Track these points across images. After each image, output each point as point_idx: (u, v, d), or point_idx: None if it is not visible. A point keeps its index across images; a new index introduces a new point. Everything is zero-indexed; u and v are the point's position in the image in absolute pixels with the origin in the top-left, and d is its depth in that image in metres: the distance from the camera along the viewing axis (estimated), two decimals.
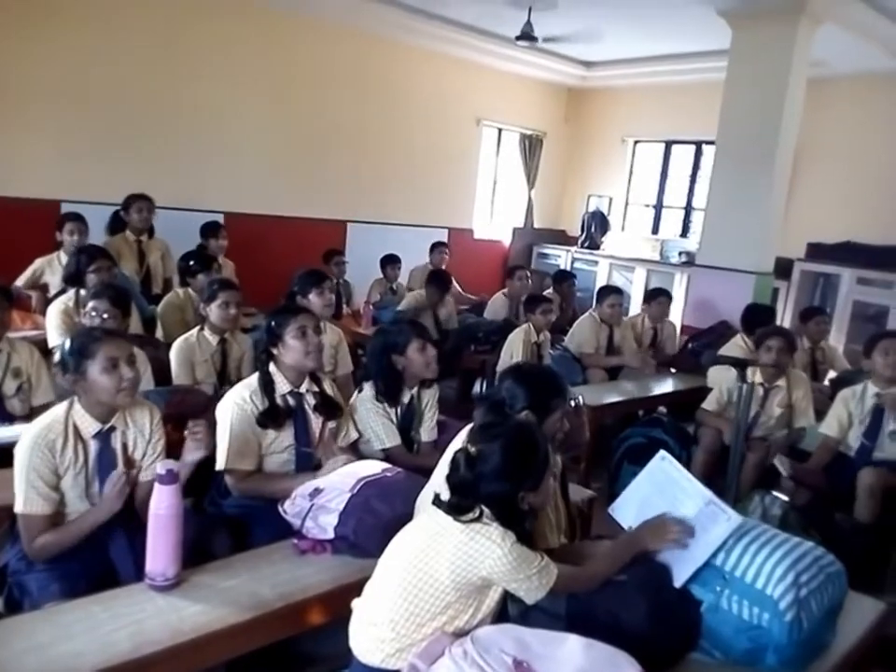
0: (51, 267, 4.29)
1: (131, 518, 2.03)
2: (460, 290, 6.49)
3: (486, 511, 1.59)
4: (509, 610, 1.68)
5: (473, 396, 5.26)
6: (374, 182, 7.43)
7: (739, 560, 1.84)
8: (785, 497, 3.37)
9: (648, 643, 1.67)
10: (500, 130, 8.66)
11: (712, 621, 1.83)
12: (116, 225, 4.66)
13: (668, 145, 8.45)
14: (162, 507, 1.77)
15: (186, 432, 2.34)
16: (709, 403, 3.67)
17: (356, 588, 1.91)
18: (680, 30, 6.42)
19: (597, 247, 8.54)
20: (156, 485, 1.78)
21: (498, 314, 5.53)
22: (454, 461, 1.65)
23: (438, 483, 2.07)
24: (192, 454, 2.06)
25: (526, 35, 6.21)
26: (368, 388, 2.71)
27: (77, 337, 2.04)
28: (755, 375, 3.48)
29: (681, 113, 7.93)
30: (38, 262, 4.34)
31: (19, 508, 1.90)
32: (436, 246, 6.41)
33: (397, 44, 7.22)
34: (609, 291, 4.93)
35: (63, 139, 5.50)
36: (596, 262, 8.30)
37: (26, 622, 1.65)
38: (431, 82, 7.67)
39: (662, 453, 2.11)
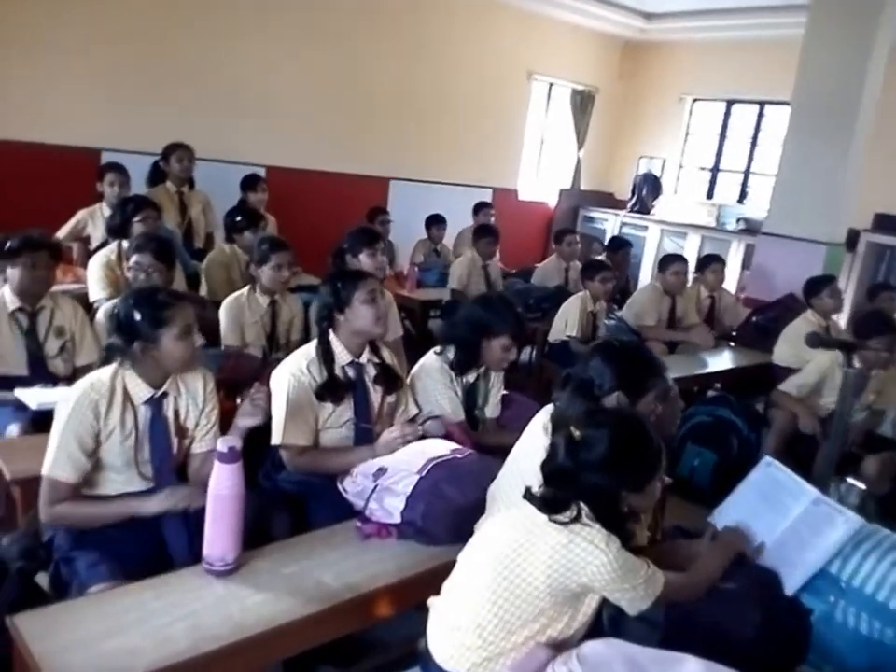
0: (94, 219, 4.15)
1: None
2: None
3: (585, 509, 1.40)
4: (602, 616, 1.51)
5: (519, 365, 5.06)
6: (418, 138, 7.15)
7: (858, 568, 1.67)
8: (862, 485, 3.16)
9: (754, 656, 1.51)
10: (551, 84, 8.26)
11: (824, 633, 1.66)
12: (156, 176, 4.51)
13: (729, 104, 8.01)
14: (224, 487, 1.62)
15: (241, 398, 2.20)
16: (790, 386, 3.39)
17: (425, 579, 1.77)
18: None
19: (648, 212, 8.19)
20: (216, 464, 1.62)
21: (548, 279, 5.31)
22: (552, 446, 1.47)
23: (514, 467, 1.90)
24: (247, 419, 1.92)
25: None
26: (435, 357, 2.52)
27: (146, 302, 1.86)
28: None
29: (745, 71, 7.47)
30: (81, 214, 4.20)
31: (45, 469, 1.77)
32: (481, 207, 6.16)
33: None
34: (673, 259, 4.65)
35: (103, 87, 5.31)
36: (646, 227, 7.97)
37: (73, 609, 1.52)
38: (481, 32, 7.29)
39: (767, 458, 1.96)
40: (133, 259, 2.80)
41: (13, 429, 2.33)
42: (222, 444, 1.62)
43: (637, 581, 1.38)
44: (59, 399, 1.96)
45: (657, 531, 1.92)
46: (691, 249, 7.32)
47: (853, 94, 4.88)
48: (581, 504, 1.40)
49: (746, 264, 6.70)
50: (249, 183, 4.91)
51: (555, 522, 1.39)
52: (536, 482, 1.52)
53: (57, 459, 1.77)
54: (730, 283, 6.00)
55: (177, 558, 1.79)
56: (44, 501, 1.78)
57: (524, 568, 1.38)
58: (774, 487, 1.92)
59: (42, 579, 1.79)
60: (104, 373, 1.85)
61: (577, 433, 1.42)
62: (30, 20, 4.94)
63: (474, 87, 7.41)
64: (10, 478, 1.97)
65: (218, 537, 1.64)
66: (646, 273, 7.71)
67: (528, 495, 1.47)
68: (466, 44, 7.22)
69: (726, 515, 1.93)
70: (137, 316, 1.83)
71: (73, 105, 5.22)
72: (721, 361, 4.39)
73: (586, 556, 1.35)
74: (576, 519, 1.39)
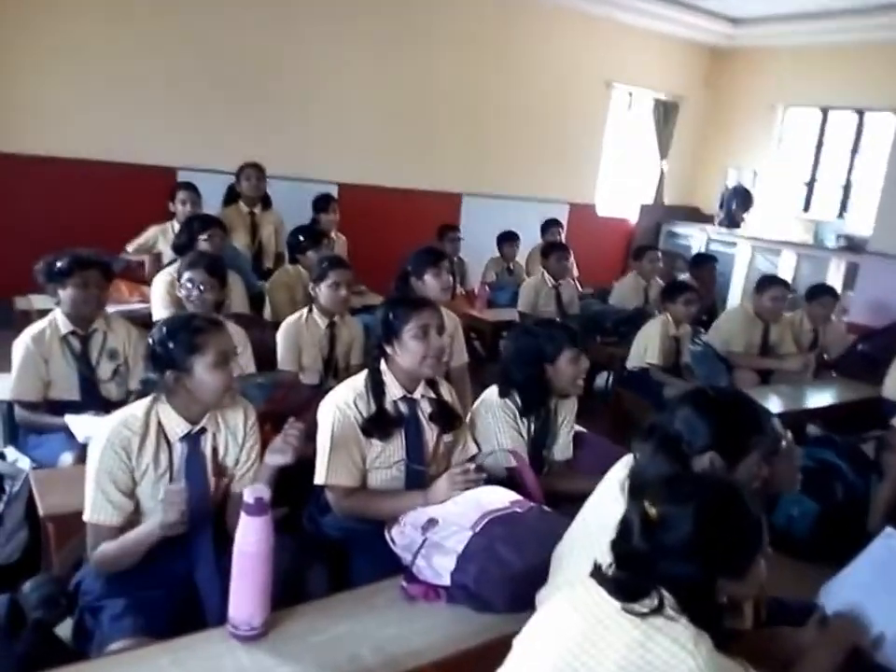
0: (165, 236, 4.16)
1: (222, 537, 1.74)
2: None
3: (668, 597, 1.14)
4: None
5: (594, 391, 4.77)
6: (492, 151, 6.96)
7: None
8: None
9: None
10: (631, 94, 7.93)
11: None
12: (231, 196, 4.50)
13: (825, 112, 7.46)
14: (249, 543, 1.45)
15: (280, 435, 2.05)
16: None
17: (476, 655, 1.55)
18: None
19: (737, 226, 7.70)
20: (242, 516, 1.46)
21: (627, 300, 5.00)
22: (623, 524, 1.21)
23: (585, 527, 1.65)
24: (276, 456, 1.74)
25: None
26: (495, 392, 2.29)
27: (179, 328, 1.73)
28: None
29: (841, 77, 6.97)
30: (152, 230, 4.22)
31: (86, 515, 1.66)
32: (549, 226, 5.89)
33: (522, 1, 6.66)
34: (773, 282, 4.24)
35: (178, 107, 5.38)
36: (735, 244, 7.48)
37: None
38: (557, 41, 7.04)
39: (888, 529, 1.63)
40: (186, 275, 2.72)
41: (67, 458, 2.26)
42: (249, 494, 1.45)
43: None
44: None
45: (760, 609, 1.61)
46: (786, 268, 6.82)
47: None
48: (664, 591, 1.15)
49: (847, 285, 6.16)
50: (322, 204, 4.84)
51: (631, 612, 1.14)
52: (608, 550, 1.27)
53: (95, 503, 1.65)
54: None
55: (210, 612, 1.64)
56: (90, 550, 1.68)
57: (590, 668, 1.14)
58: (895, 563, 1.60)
59: (66, 626, 1.67)
60: (137, 408, 1.73)
61: (652, 510, 1.17)
62: (109, 40, 5.05)
63: (549, 97, 7.17)
64: (43, 514, 1.87)
65: (244, 598, 1.47)
66: (735, 294, 7.23)
67: (598, 575, 1.22)
68: (541, 53, 7.00)
69: (836, 595, 1.62)
70: (170, 343, 1.71)
71: (150, 125, 5.31)
72: (822, 395, 3.97)
73: (669, 659, 1.09)
74: (657, 610, 1.13)
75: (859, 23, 6.47)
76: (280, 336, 2.96)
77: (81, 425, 2.29)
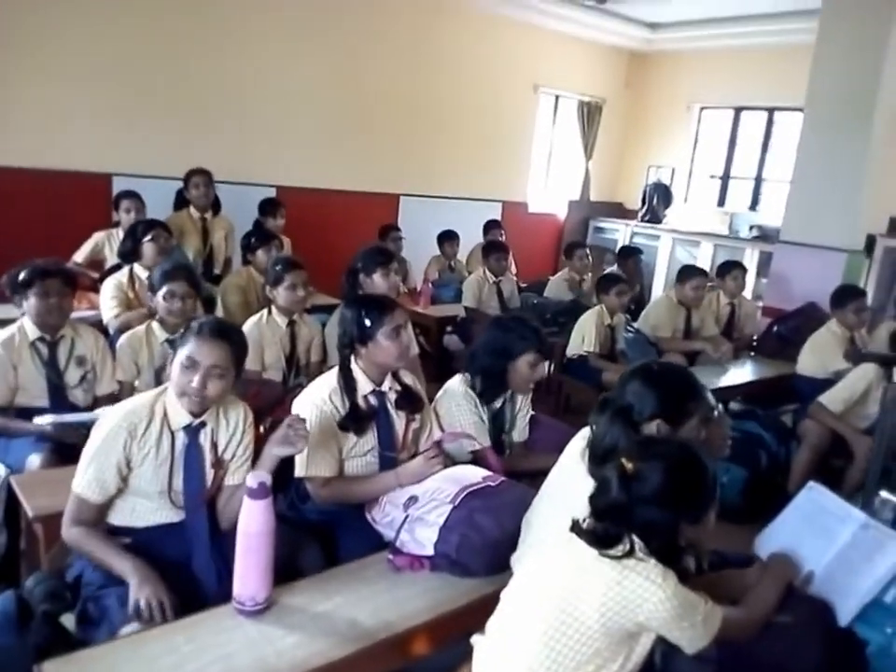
0: (110, 242, 4.14)
1: (214, 527, 1.86)
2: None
3: (639, 543, 1.34)
4: (654, 652, 1.45)
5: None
6: (427, 153, 7.12)
7: None
8: None
9: None
10: (558, 97, 8.24)
11: (882, 667, 1.58)
12: (180, 202, 4.48)
13: (738, 111, 7.96)
14: (253, 524, 1.57)
15: (264, 426, 2.17)
16: (832, 402, 3.25)
17: (462, 614, 1.72)
18: None
19: (659, 221, 8.13)
20: (246, 500, 1.57)
21: (562, 292, 5.26)
22: (602, 481, 1.40)
23: (551, 494, 1.84)
24: (285, 448, 1.81)
25: None
26: (460, 382, 2.46)
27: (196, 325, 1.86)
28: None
29: (752, 78, 7.44)
30: (97, 236, 4.19)
31: (75, 484, 1.75)
32: (490, 227, 6.14)
33: (452, 8, 6.87)
34: (694, 272, 4.57)
35: (111, 111, 5.28)
36: (658, 237, 7.91)
37: (104, 656, 1.46)
38: (487, 47, 7.28)
39: (810, 483, 1.90)
40: (166, 288, 2.72)
41: (34, 460, 2.29)
42: (252, 480, 1.57)
43: (696, 618, 1.32)
44: (77, 417, 1.97)
45: (703, 559, 1.84)
46: (704, 258, 7.26)
47: (868, 97, 4.80)
48: (634, 538, 1.34)
49: (761, 272, 6.64)
50: (268, 208, 4.88)
51: (607, 556, 1.33)
52: (578, 513, 1.45)
53: (86, 477, 1.74)
54: (746, 291, 5.92)
55: (208, 595, 1.74)
56: (67, 518, 1.76)
57: (576, 607, 1.32)
58: (818, 512, 1.85)
59: (67, 619, 1.74)
60: (146, 397, 1.84)
61: (629, 466, 1.36)
62: (36, 44, 4.93)
63: (481, 101, 7.39)
64: (33, 515, 1.92)
65: (249, 575, 1.58)
66: (659, 283, 7.65)
67: (576, 528, 1.40)
68: (471, 58, 7.21)
69: (769, 543, 1.86)
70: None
71: (81, 131, 5.19)
72: (743, 373, 4.30)
73: (642, 593, 1.29)
74: (629, 553, 1.32)
75: (767, 28, 6.90)
76: None
77: (45, 418, 2.35)
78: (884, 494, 3.16)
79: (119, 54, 5.25)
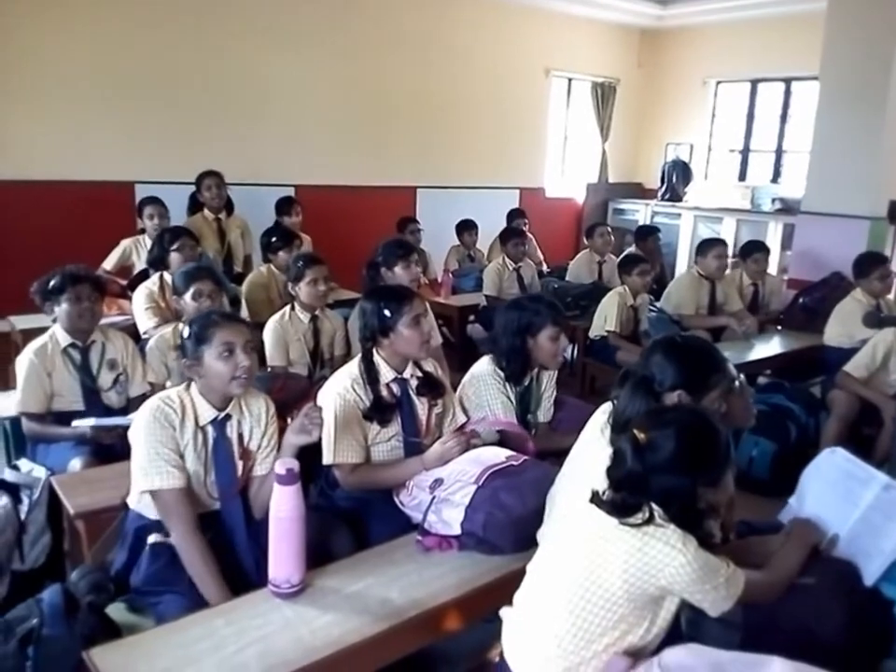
0: (138, 249, 4.24)
1: (248, 516, 1.92)
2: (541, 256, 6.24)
3: (658, 510, 1.36)
4: (680, 618, 1.47)
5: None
6: (441, 144, 7.14)
7: None
8: None
9: (843, 655, 1.44)
10: (570, 80, 8.19)
11: None
12: (194, 205, 4.56)
13: (754, 84, 7.84)
14: (284, 509, 1.62)
15: (291, 418, 2.21)
16: (856, 368, 3.25)
17: (490, 590, 1.76)
18: None
19: (679, 199, 8.04)
20: (276, 486, 1.62)
21: (582, 276, 5.25)
22: (617, 452, 1.43)
23: (574, 470, 1.87)
24: (301, 436, 1.86)
25: None
26: (488, 362, 2.51)
27: (196, 321, 1.92)
28: None
29: (767, 49, 7.32)
30: (125, 243, 4.30)
31: (154, 484, 1.77)
32: (514, 215, 6.11)
33: None
34: (713, 243, 4.55)
35: (129, 120, 5.40)
36: (679, 215, 7.83)
37: (147, 642, 1.52)
38: (497, 34, 7.27)
39: (830, 447, 1.89)
40: (194, 287, 2.79)
41: (76, 464, 2.37)
42: (280, 466, 1.62)
43: (718, 580, 1.34)
44: (119, 420, 2.05)
45: (729, 529, 1.86)
46: (727, 233, 7.16)
47: (882, 63, 4.75)
48: (653, 505, 1.37)
49: (785, 245, 6.55)
50: (284, 207, 4.96)
51: (627, 525, 1.35)
52: (598, 484, 1.48)
53: (158, 470, 1.76)
54: (771, 265, 5.86)
55: (249, 580, 1.79)
56: (173, 522, 1.77)
57: (599, 575, 1.35)
58: (841, 476, 1.85)
59: (113, 611, 1.81)
60: (172, 393, 1.89)
61: (641, 436, 1.39)
62: (56, 61, 5.06)
63: (493, 89, 7.38)
64: (74, 512, 2.00)
65: (283, 559, 1.64)
66: (682, 262, 7.58)
67: (596, 499, 1.43)
68: (482, 47, 7.20)
69: (796, 510, 1.87)
70: (185, 335, 1.89)
71: (103, 142, 5.32)
72: (770, 346, 4.27)
73: (663, 558, 1.31)
74: (649, 521, 1.35)
75: None
76: (267, 334, 3.09)
77: (86, 420, 2.43)
78: None
79: (136, 64, 5.36)
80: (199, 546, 1.76)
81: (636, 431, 1.40)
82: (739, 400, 1.86)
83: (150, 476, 1.77)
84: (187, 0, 5.49)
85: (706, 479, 1.38)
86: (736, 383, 1.89)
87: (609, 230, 5.53)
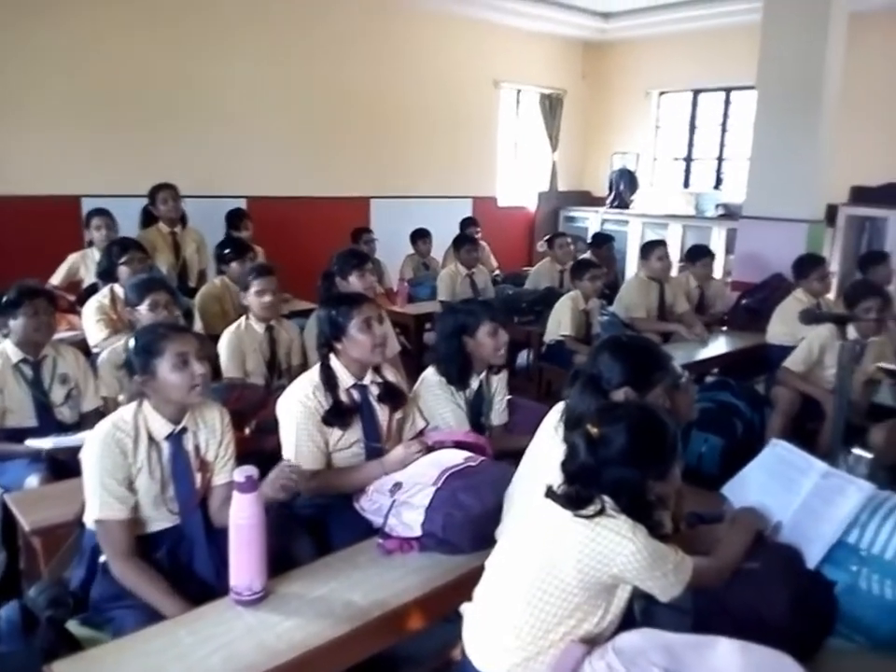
0: (85, 262, 4.17)
1: (209, 527, 1.92)
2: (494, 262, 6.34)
3: (609, 501, 1.43)
4: (634, 608, 1.53)
5: (517, 369, 5.10)
6: (394, 155, 7.19)
7: (876, 536, 1.69)
8: (870, 456, 3.19)
9: (787, 635, 1.52)
10: (519, 91, 8.34)
11: (849, 603, 1.68)
12: (147, 219, 4.50)
13: (695, 94, 8.11)
14: (243, 517, 1.63)
15: (248, 428, 2.21)
16: (795, 363, 3.41)
17: (451, 589, 1.79)
18: None
19: (627, 206, 8.26)
20: (235, 494, 1.64)
21: (542, 283, 5.35)
22: (571, 446, 1.49)
23: (529, 468, 1.92)
24: (278, 493, 1.86)
25: None
26: (433, 372, 2.54)
27: (143, 335, 1.90)
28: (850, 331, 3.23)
29: (707, 60, 7.59)
30: (72, 257, 4.22)
31: (94, 514, 1.77)
32: (466, 224, 6.22)
33: (411, 9, 6.94)
34: (655, 245, 4.73)
35: (74, 134, 5.30)
36: (627, 222, 8.03)
37: (110, 653, 1.52)
38: (446, 46, 7.37)
39: (773, 440, 2.01)
40: (150, 298, 2.76)
41: (32, 481, 2.34)
42: (239, 474, 1.64)
43: (667, 567, 1.41)
44: (77, 440, 1.98)
45: (679, 520, 1.94)
46: (673, 239, 7.38)
47: (816, 71, 4.96)
48: (605, 497, 1.43)
49: (729, 249, 6.78)
50: (235, 220, 4.94)
51: (580, 517, 1.41)
52: (553, 480, 1.54)
53: (102, 500, 1.76)
54: (716, 269, 6.07)
55: (210, 592, 1.79)
56: (109, 553, 1.77)
57: (554, 566, 1.40)
58: (783, 466, 1.95)
59: (72, 627, 1.79)
60: (125, 412, 1.87)
61: (594, 430, 1.45)
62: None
63: (444, 100, 7.47)
64: (29, 529, 1.97)
65: (243, 566, 1.65)
66: (632, 267, 7.77)
67: (550, 493, 1.49)
68: (432, 58, 7.29)
69: (739, 497, 1.96)
70: (132, 350, 1.87)
71: (44, 155, 5.21)
72: (717, 346, 4.43)
73: (615, 547, 1.37)
74: (601, 512, 1.41)
75: (717, 10, 7.03)
76: (222, 346, 3.09)
77: (43, 441, 2.39)
78: (857, 451, 3.29)
79: (81, 77, 5.27)
80: (138, 572, 1.76)
81: (588, 426, 1.46)
82: (683, 396, 1.94)
83: (93, 506, 1.77)
84: (132, 11, 5.42)
85: (654, 472, 1.45)
86: (682, 380, 1.97)
87: (570, 239, 5.64)
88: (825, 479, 1.84)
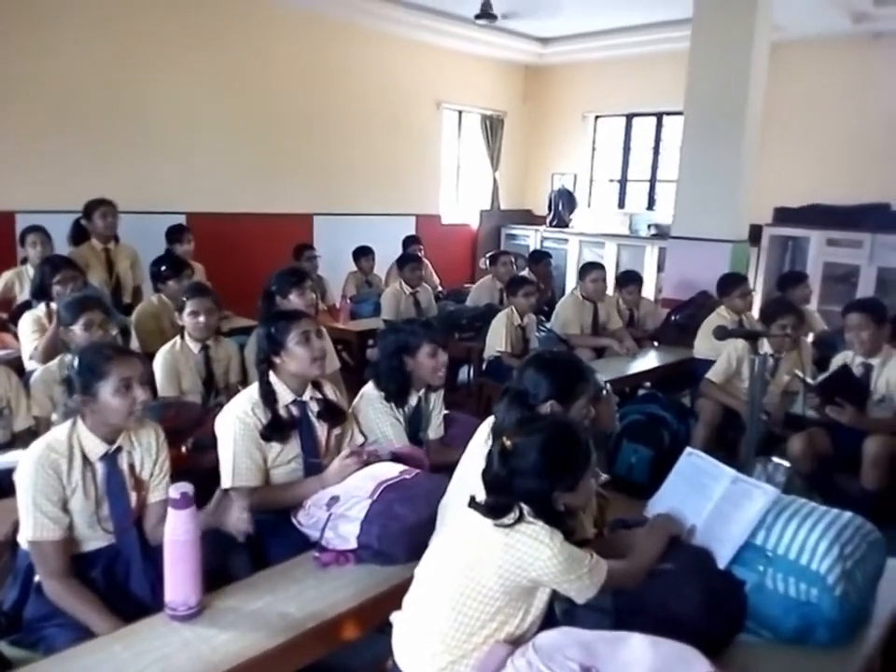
0: (20, 279, 4.10)
1: (144, 544, 1.93)
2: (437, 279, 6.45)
3: (527, 509, 1.52)
4: (555, 610, 1.62)
5: (458, 384, 5.20)
6: (338, 172, 7.26)
7: (781, 537, 1.82)
8: (787, 464, 3.38)
9: (701, 631, 1.63)
10: (461, 112, 8.54)
11: (758, 601, 1.80)
12: (78, 234, 4.42)
13: (629, 118, 8.45)
14: (179, 533, 1.66)
15: (185, 447, 2.22)
16: (715, 374, 3.62)
17: (386, 598, 1.85)
18: (637, 1, 6.38)
19: (566, 225, 8.51)
20: (170, 510, 1.66)
21: (483, 300, 5.46)
22: (489, 455, 1.58)
23: (460, 481, 2.00)
24: (227, 527, 1.89)
25: (485, 14, 6.11)
26: (372, 388, 2.60)
27: (88, 354, 1.90)
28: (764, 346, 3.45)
29: (641, 85, 7.94)
30: (6, 275, 4.15)
31: (28, 535, 1.77)
32: (409, 242, 6.32)
33: (353, 29, 7.05)
34: (591, 267, 4.91)
35: (8, 148, 5.20)
36: (566, 240, 8.28)
37: (42, 670, 1.52)
38: (389, 67, 7.51)
39: (688, 449, 2.13)
40: (84, 318, 2.74)
41: None
42: (174, 491, 1.67)
43: (582, 570, 1.50)
44: (9, 461, 1.96)
45: (602, 525, 2.05)
46: (609, 257, 7.65)
47: (740, 97, 5.23)
48: (523, 505, 1.52)
49: (661, 267, 7.06)
50: (174, 235, 4.90)
51: (500, 525, 1.49)
52: (479, 491, 1.62)
53: (36, 521, 1.76)
54: (648, 286, 6.31)
55: (146, 610, 1.80)
56: (43, 572, 1.77)
57: (477, 572, 1.48)
58: (697, 474, 2.07)
59: (3, 648, 1.77)
60: (60, 432, 1.86)
61: (508, 442, 1.54)
62: None
63: (387, 119, 7.59)
64: None
65: (179, 582, 1.67)
66: (570, 284, 7.99)
67: (472, 503, 1.57)
68: (373, 76, 7.40)
69: (658, 505, 2.07)
70: (75, 369, 1.87)
71: None
72: (647, 361, 4.62)
73: (532, 552, 1.46)
74: (519, 520, 1.49)
75: (648, 38, 7.36)
76: (157, 365, 3.06)
77: None
78: (775, 459, 3.48)
79: (16, 89, 5.17)
80: (72, 592, 1.76)
81: (504, 438, 1.55)
82: (604, 407, 2.06)
83: (27, 526, 1.77)
84: (68, 27, 5.36)
85: (563, 484, 1.54)
86: (604, 392, 2.09)
87: (513, 258, 5.78)
88: (734, 484, 1.97)
